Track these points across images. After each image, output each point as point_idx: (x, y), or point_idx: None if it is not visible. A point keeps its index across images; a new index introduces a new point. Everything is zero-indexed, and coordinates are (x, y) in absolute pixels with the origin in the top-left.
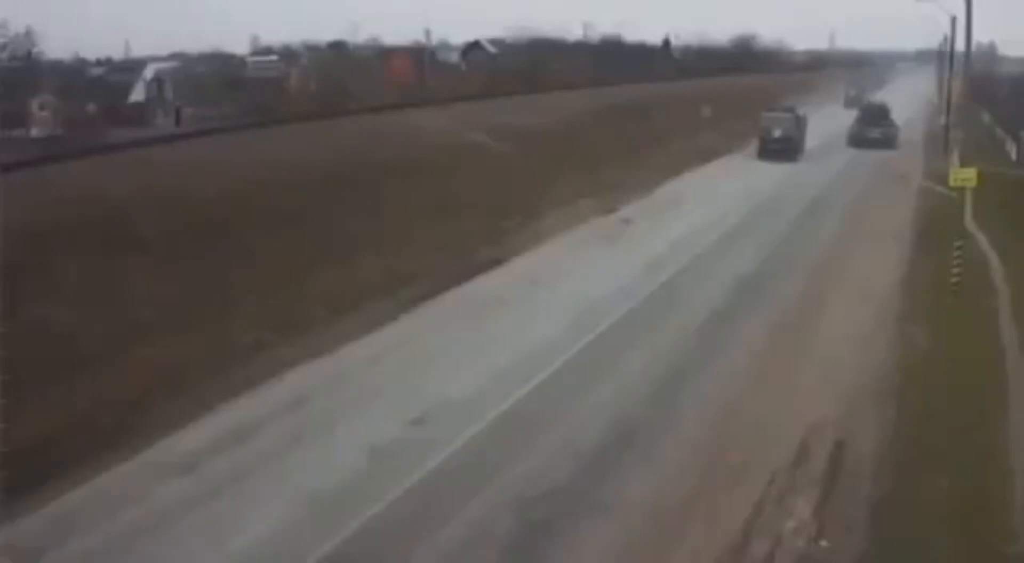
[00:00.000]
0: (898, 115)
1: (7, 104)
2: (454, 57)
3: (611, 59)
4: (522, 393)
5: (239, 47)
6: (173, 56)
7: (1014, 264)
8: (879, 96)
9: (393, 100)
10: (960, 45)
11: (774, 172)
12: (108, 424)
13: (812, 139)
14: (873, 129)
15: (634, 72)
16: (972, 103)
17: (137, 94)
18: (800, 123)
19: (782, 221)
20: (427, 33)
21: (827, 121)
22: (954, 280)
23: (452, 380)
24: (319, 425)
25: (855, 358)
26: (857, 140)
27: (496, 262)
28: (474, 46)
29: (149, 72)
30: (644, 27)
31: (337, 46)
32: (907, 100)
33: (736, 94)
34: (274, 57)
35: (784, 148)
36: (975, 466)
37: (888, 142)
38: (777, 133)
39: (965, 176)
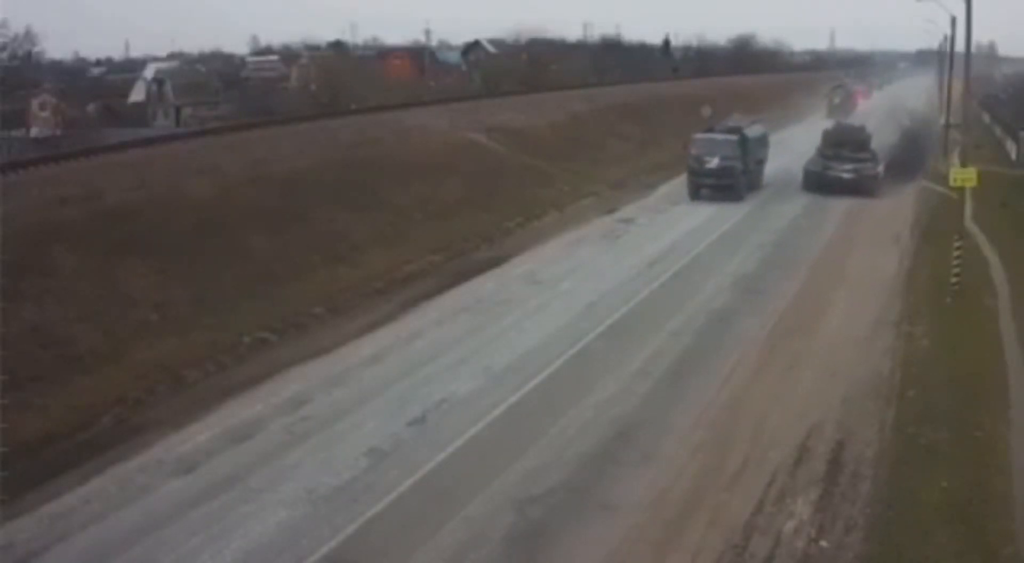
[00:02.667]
0: (893, 123)
1: (7, 104)
2: (454, 57)
3: (611, 59)
4: (523, 392)
5: (239, 47)
6: (173, 56)
7: (1014, 264)
8: (868, 104)
9: (393, 100)
10: (960, 45)
11: (775, 170)
12: (109, 423)
13: (778, 162)
14: (840, 165)
15: (634, 72)
16: (972, 103)
17: (137, 94)
18: (750, 147)
19: (782, 219)
20: (427, 33)
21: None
22: (954, 280)
23: (452, 380)
24: (319, 425)
25: (856, 358)
26: (815, 181)
27: (497, 261)
28: (474, 46)
29: (149, 72)
30: (644, 27)
31: (337, 46)
32: (903, 105)
33: (735, 94)
34: (274, 57)
35: (724, 184)
36: (975, 466)
37: (862, 186)
38: (713, 163)
39: (965, 176)
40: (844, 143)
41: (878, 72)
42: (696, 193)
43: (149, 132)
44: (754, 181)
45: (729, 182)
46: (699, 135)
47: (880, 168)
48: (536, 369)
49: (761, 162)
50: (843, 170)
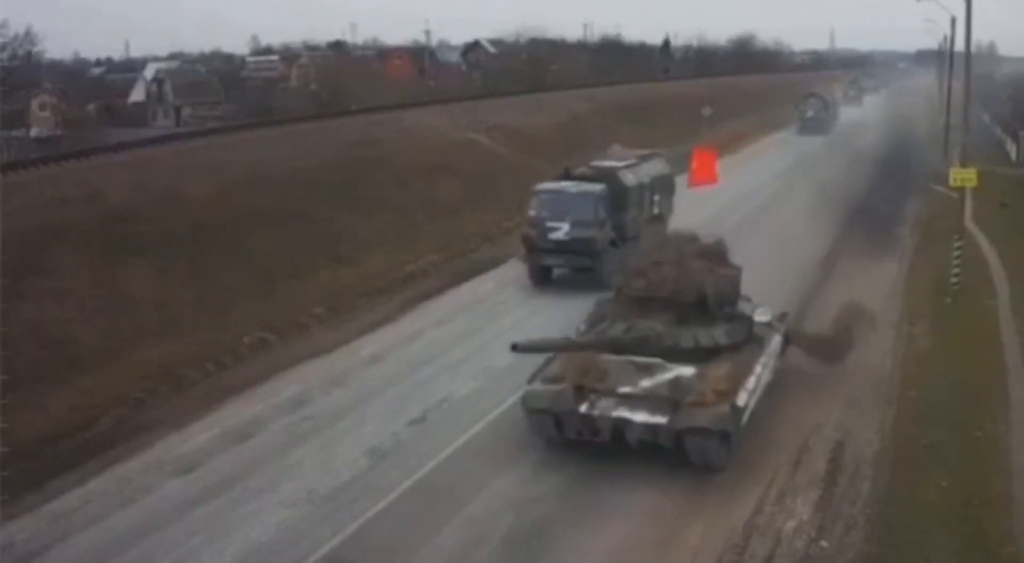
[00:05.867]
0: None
1: (7, 104)
2: (454, 57)
3: (611, 59)
4: (521, 393)
5: (239, 47)
6: (173, 56)
7: (1014, 264)
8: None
9: (393, 100)
10: (960, 45)
11: (774, 165)
12: (109, 423)
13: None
14: (621, 385)
15: (634, 72)
16: (972, 103)
17: (137, 94)
18: (629, 202)
19: (781, 217)
20: (427, 33)
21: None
22: (954, 280)
23: (452, 380)
24: (319, 425)
25: (856, 357)
26: (550, 428)
27: (497, 261)
28: (474, 46)
29: (149, 72)
30: (644, 27)
31: (337, 46)
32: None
33: (735, 94)
34: (274, 57)
35: (580, 265)
36: (975, 466)
37: (685, 448)
38: (561, 232)
39: (965, 176)
40: (653, 308)
41: (874, 73)
42: (541, 276)
43: (149, 132)
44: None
45: (587, 262)
46: (543, 186)
47: (746, 395)
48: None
49: (657, 220)
50: (628, 403)
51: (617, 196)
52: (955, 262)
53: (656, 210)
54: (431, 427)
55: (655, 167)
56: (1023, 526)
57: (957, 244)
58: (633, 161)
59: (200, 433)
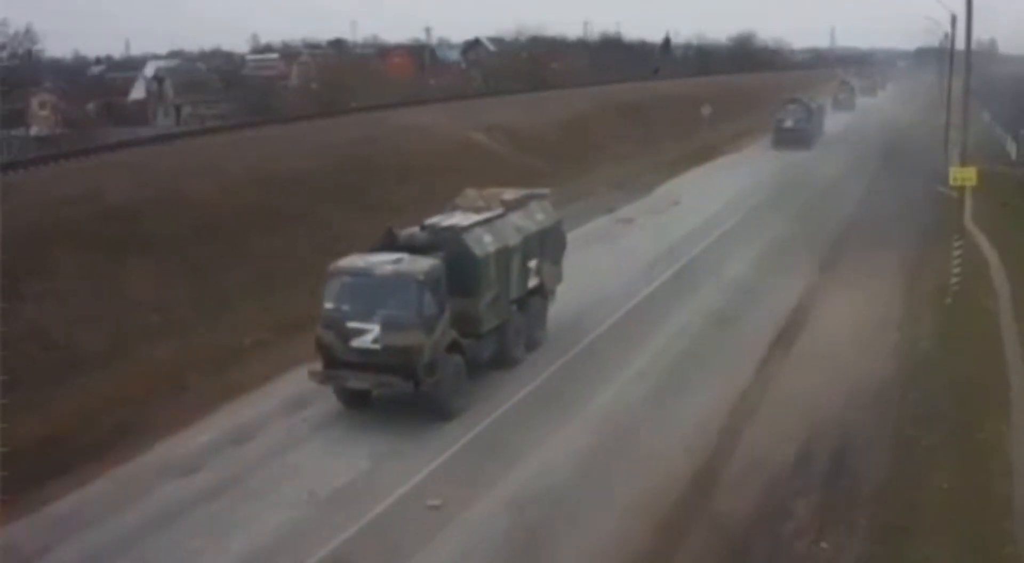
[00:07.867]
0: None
1: (7, 103)
2: (454, 55)
3: (611, 57)
4: (523, 393)
5: (239, 45)
6: (173, 54)
7: (1014, 264)
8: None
9: (393, 98)
10: (960, 44)
11: (777, 161)
12: (110, 425)
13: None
14: None
15: (634, 71)
16: (972, 101)
17: (137, 92)
18: (483, 281)
19: (781, 220)
20: (427, 31)
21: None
22: (954, 280)
23: None
24: (319, 426)
25: (858, 359)
26: None
27: None
28: (474, 44)
29: (149, 70)
30: (645, 26)
31: (337, 44)
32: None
33: (735, 93)
34: (274, 55)
35: (396, 384)
36: (975, 468)
37: None
38: (368, 337)
39: (965, 175)
40: None
41: (871, 72)
42: (351, 402)
43: (149, 131)
44: (510, 345)
45: (407, 386)
46: (343, 264)
47: None
48: (537, 370)
49: (536, 294)
50: None
51: (462, 273)
52: (955, 262)
53: (534, 280)
54: (431, 428)
55: (532, 217)
56: (1023, 526)
57: (957, 244)
58: (496, 212)
59: (200, 434)
